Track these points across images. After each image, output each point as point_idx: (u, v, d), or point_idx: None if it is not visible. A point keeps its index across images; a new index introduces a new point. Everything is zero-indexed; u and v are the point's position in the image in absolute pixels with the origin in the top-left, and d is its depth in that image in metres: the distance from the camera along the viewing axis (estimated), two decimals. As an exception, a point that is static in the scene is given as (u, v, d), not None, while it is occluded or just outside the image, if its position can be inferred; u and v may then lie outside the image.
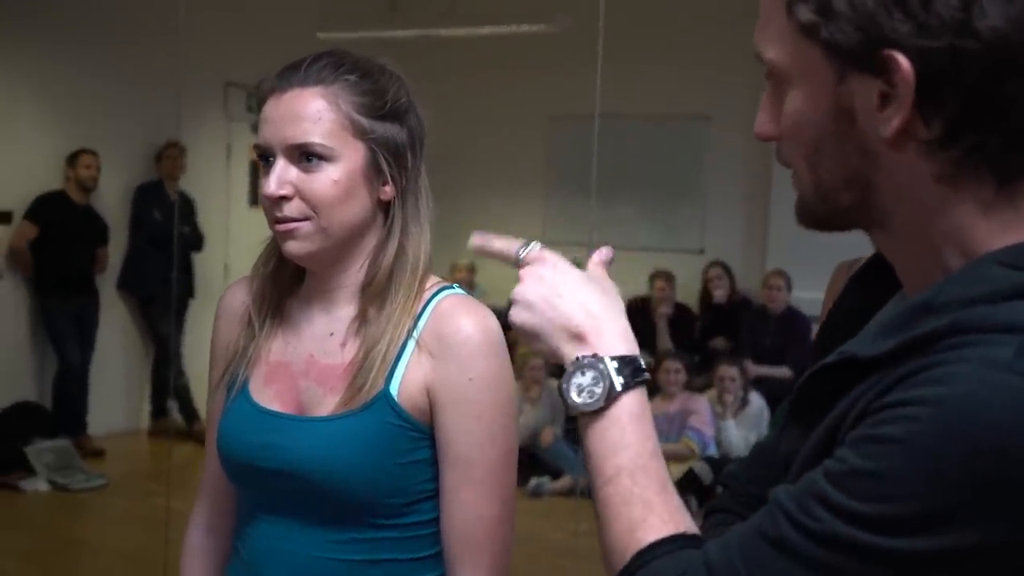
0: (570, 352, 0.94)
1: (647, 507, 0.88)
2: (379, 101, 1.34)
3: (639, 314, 6.83)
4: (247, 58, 6.05)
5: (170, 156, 6.68)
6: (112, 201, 6.67)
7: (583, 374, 0.92)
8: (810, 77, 0.82)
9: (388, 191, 1.36)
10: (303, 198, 1.32)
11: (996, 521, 0.71)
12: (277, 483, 1.34)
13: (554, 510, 5.60)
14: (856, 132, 0.81)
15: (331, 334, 1.39)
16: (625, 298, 1.00)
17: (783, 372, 6.37)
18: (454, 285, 1.40)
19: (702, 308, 7.20)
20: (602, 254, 1.02)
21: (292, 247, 1.34)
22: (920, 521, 0.72)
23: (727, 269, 7.10)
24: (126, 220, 6.76)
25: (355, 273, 1.38)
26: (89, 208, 6.43)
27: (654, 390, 6.16)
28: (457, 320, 1.33)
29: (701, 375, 6.47)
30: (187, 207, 6.78)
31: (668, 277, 7.10)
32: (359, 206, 1.34)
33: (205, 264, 6.98)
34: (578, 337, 0.94)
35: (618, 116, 6.73)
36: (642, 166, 7.63)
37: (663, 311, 6.97)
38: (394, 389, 1.32)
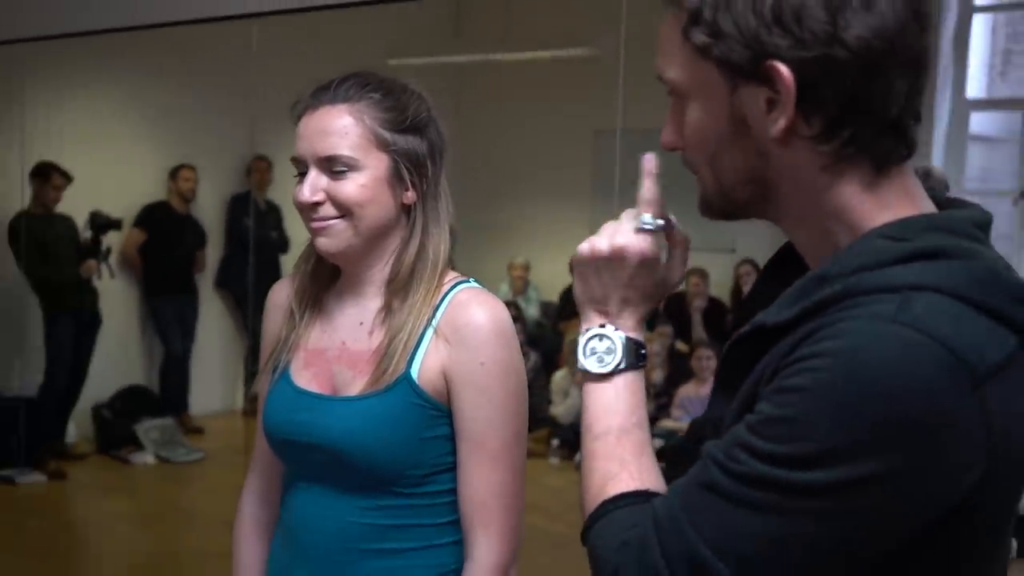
0: (594, 319, 0.98)
1: (623, 464, 0.91)
2: (401, 116, 1.34)
3: (676, 307, 6.78)
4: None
5: (258, 169, 6.76)
6: (209, 210, 6.77)
7: (600, 340, 0.96)
8: (707, 91, 0.85)
9: (410, 196, 1.36)
10: (334, 203, 1.33)
11: (892, 452, 0.73)
12: (313, 456, 1.36)
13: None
14: (750, 135, 0.84)
15: (360, 323, 1.39)
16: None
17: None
18: (470, 279, 1.40)
19: (733, 302, 7.12)
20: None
21: (324, 244, 1.35)
22: (828, 455, 0.74)
23: (756, 266, 7.01)
24: (222, 227, 6.86)
25: (381, 269, 1.38)
26: (189, 216, 6.54)
27: (689, 374, 6.11)
28: (470, 310, 1.33)
29: (732, 362, 6.40)
30: (275, 214, 6.84)
31: (702, 274, 7.02)
32: (384, 209, 1.35)
33: (291, 265, 7.03)
34: (605, 313, 0.98)
35: (652, 129, 6.68)
36: (677, 174, 7.55)
37: (698, 304, 6.91)
38: (415, 372, 1.33)
